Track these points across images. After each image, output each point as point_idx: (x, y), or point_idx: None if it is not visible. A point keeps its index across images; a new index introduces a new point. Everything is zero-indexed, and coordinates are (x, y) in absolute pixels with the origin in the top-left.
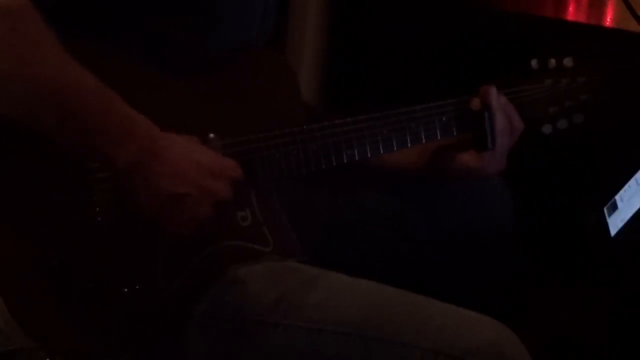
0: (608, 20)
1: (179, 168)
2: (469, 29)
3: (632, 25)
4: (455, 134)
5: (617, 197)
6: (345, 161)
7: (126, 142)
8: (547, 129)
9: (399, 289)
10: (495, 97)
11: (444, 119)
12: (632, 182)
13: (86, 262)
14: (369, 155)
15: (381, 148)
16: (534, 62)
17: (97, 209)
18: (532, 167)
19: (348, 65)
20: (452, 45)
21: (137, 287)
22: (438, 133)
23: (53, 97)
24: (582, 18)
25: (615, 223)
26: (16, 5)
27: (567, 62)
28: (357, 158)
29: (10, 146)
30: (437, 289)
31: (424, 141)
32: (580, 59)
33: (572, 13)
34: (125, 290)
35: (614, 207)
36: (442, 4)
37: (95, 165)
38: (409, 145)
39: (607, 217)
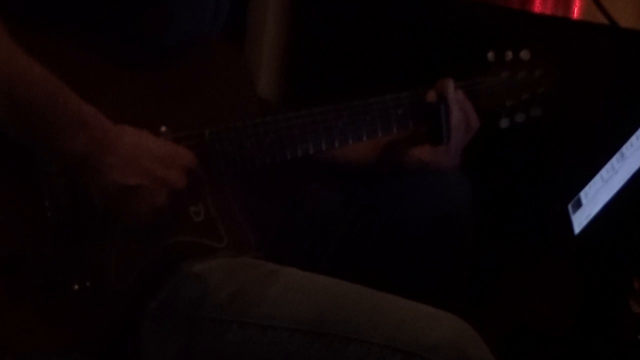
0: (575, 13)
1: (130, 158)
2: (432, 18)
3: (600, 18)
4: (411, 127)
5: (581, 194)
6: (299, 155)
7: (75, 133)
8: (504, 122)
9: (356, 285)
10: (452, 91)
11: (399, 112)
12: (597, 178)
13: (37, 259)
14: (323, 148)
15: (336, 142)
16: (490, 55)
17: (47, 203)
18: (495, 162)
19: (308, 59)
20: (413, 36)
21: (88, 283)
22: (394, 126)
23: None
24: (548, 10)
25: (580, 220)
26: None
27: (524, 54)
28: (311, 152)
29: None
30: (397, 284)
31: (379, 134)
32: (537, 52)
33: (539, 5)
34: (77, 287)
35: (578, 204)
36: None
37: (44, 159)
38: (364, 138)
39: (571, 214)
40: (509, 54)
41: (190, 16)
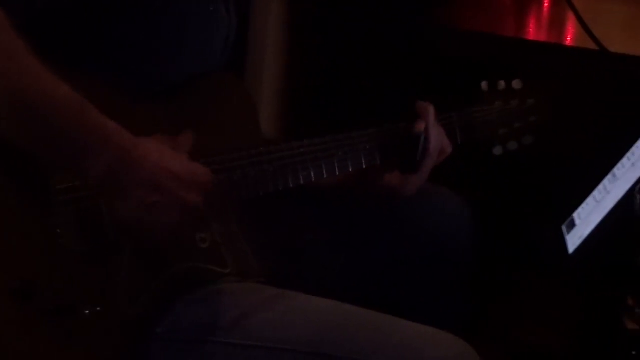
0: (568, 40)
1: (152, 176)
2: (427, 48)
3: (592, 44)
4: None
5: (575, 215)
6: (301, 182)
7: (100, 151)
8: (497, 150)
9: (357, 307)
10: (433, 118)
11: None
12: (589, 199)
13: (48, 285)
14: (324, 176)
15: (337, 169)
16: (484, 84)
17: (59, 231)
18: (491, 185)
19: (308, 92)
20: (410, 68)
21: (99, 309)
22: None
23: (26, 107)
24: (542, 37)
25: (574, 240)
26: None
27: (516, 84)
28: (313, 179)
29: None
30: (397, 306)
31: (378, 162)
32: (529, 81)
33: (533, 33)
34: (87, 312)
35: (572, 225)
36: (401, 24)
37: (58, 188)
38: (364, 166)
39: (565, 235)
40: (502, 84)
41: (203, 50)
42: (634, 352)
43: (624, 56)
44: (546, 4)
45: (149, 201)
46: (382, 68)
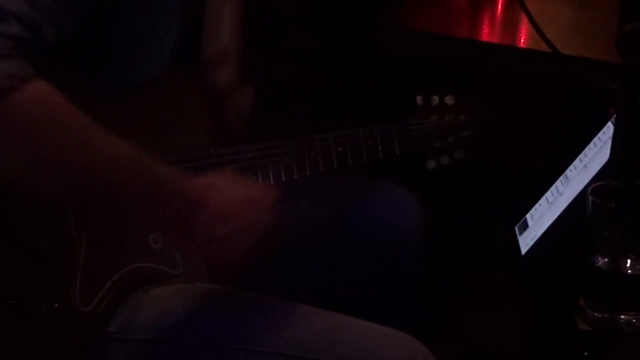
0: (521, 42)
1: (221, 210)
2: (381, 49)
3: (545, 46)
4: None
5: (527, 216)
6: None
7: (168, 200)
8: (431, 164)
9: (310, 307)
10: None
11: (340, 149)
12: (542, 200)
13: (6, 280)
14: (271, 182)
15: (283, 175)
16: (418, 99)
17: (17, 226)
18: (444, 185)
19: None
20: (363, 69)
21: (56, 305)
22: (335, 164)
23: (93, 176)
24: (495, 39)
25: (526, 241)
26: (39, 93)
27: (449, 99)
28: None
29: None
30: (350, 306)
31: (321, 170)
32: (461, 97)
33: (486, 34)
34: (43, 309)
35: (524, 226)
36: (353, 23)
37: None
38: (308, 173)
39: (518, 236)
40: (435, 99)
41: (152, 57)
42: (585, 353)
43: (576, 58)
44: (499, 6)
45: (224, 232)
46: (334, 70)
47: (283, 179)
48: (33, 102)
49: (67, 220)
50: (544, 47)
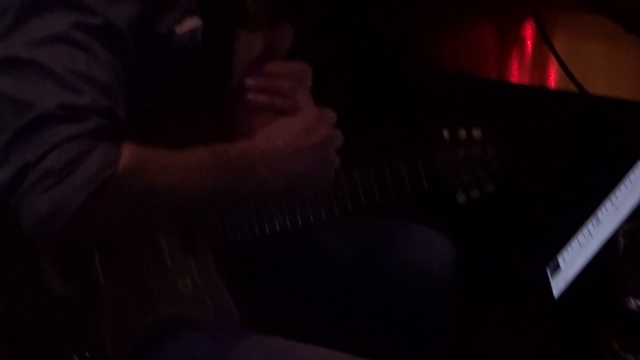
0: (550, 82)
1: (296, 146)
2: (410, 88)
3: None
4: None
5: (559, 257)
6: (278, 228)
7: (254, 171)
8: (461, 197)
9: (340, 352)
10: None
11: (367, 186)
12: (574, 243)
13: (39, 329)
14: (300, 224)
15: (311, 217)
16: (445, 133)
17: (45, 274)
18: (476, 225)
19: None
20: (390, 105)
21: (87, 354)
22: (362, 201)
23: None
24: (524, 79)
25: (558, 283)
26: (130, 161)
27: (476, 133)
28: (289, 225)
29: None
30: (378, 342)
31: (350, 209)
32: (489, 130)
33: (515, 73)
34: (75, 357)
35: (556, 267)
36: (383, 62)
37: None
38: (336, 214)
39: (549, 276)
40: (462, 133)
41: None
42: None
43: (605, 98)
44: (528, 46)
45: (306, 167)
46: (360, 106)
47: (312, 221)
48: (131, 170)
49: (94, 267)
50: (574, 87)
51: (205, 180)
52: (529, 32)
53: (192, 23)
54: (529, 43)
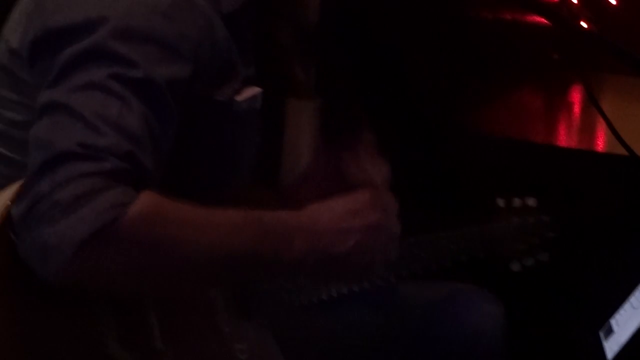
0: (599, 145)
1: (335, 227)
2: (460, 154)
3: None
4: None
5: (612, 321)
6: (335, 295)
7: (290, 240)
8: (515, 266)
9: None
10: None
11: (423, 255)
12: (626, 305)
13: None
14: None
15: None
16: (500, 201)
17: (104, 340)
18: (526, 289)
19: None
20: (441, 172)
21: None
22: (419, 270)
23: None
24: (573, 143)
25: (612, 347)
26: (146, 209)
27: (531, 202)
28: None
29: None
30: None
31: (405, 276)
32: (544, 199)
33: (564, 137)
34: None
35: (609, 331)
36: (429, 127)
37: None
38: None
39: (603, 341)
40: (517, 201)
41: (228, 179)
42: None
43: None
44: (576, 110)
45: (350, 245)
46: (413, 178)
47: (367, 287)
48: (143, 216)
49: (152, 332)
50: (623, 151)
51: (229, 241)
52: (576, 96)
53: (252, 91)
54: (577, 106)
